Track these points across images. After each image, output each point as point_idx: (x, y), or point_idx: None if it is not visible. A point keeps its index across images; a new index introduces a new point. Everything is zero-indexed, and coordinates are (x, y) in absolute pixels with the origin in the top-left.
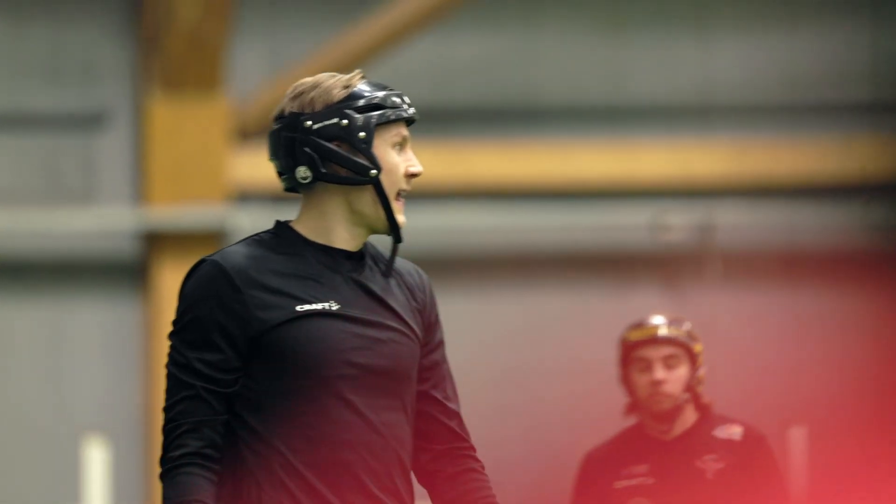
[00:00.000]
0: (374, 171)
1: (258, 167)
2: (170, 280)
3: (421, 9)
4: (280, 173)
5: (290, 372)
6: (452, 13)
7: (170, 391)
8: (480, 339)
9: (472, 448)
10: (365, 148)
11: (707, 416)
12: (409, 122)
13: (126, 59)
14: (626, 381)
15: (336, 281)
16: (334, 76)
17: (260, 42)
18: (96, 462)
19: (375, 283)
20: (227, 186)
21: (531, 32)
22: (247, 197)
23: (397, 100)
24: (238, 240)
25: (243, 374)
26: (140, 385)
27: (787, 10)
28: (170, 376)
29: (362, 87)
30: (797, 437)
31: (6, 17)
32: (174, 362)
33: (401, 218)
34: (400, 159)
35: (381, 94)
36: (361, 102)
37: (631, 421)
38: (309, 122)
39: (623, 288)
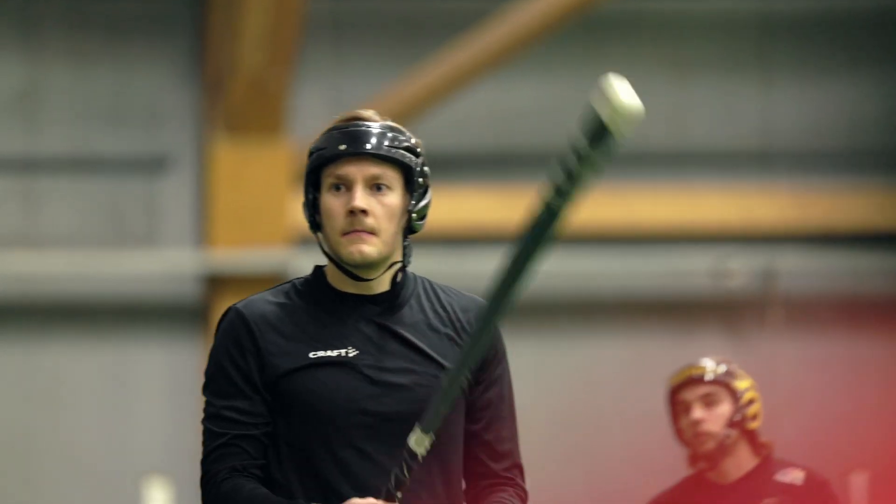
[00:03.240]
0: (312, 220)
1: None
2: None
3: (482, 54)
4: None
5: (303, 420)
6: (513, 58)
7: (205, 444)
8: (541, 384)
9: (513, 482)
10: (307, 197)
11: (768, 460)
12: (387, 159)
13: (189, 103)
14: (675, 427)
15: (358, 326)
16: (334, 119)
17: (322, 86)
18: None
19: (406, 326)
20: (289, 230)
21: (592, 77)
22: (308, 240)
23: (326, 143)
24: (272, 286)
25: (273, 419)
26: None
27: (849, 55)
28: (204, 430)
29: (323, 133)
30: (858, 484)
31: (71, 61)
32: (206, 414)
33: (350, 250)
34: (336, 200)
35: (322, 138)
36: (309, 153)
37: (692, 470)
38: None
39: (684, 334)
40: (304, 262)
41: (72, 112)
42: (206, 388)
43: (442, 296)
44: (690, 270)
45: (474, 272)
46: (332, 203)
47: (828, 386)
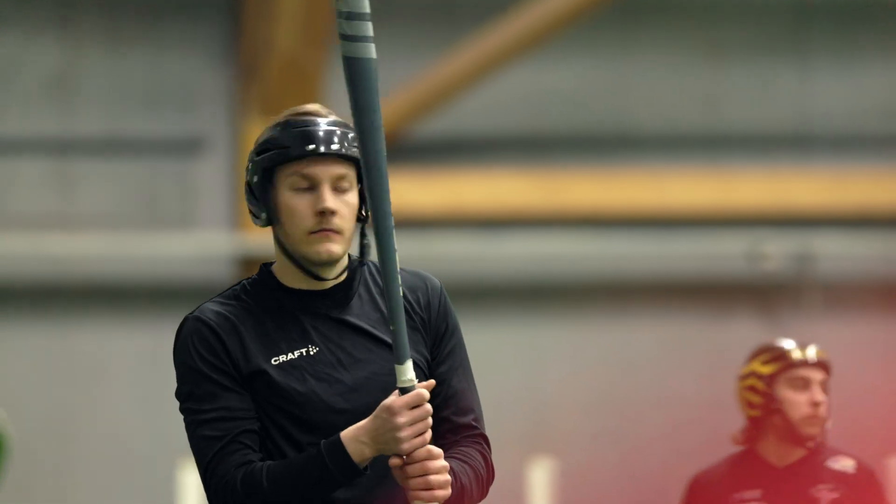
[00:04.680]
0: (263, 214)
1: None
2: None
3: (517, 37)
4: None
5: (274, 424)
6: (549, 41)
7: (203, 453)
8: (575, 366)
9: (479, 447)
10: (258, 191)
11: (819, 448)
12: (348, 158)
13: (224, 86)
14: (771, 400)
15: (315, 323)
16: (284, 115)
17: None
18: (192, 487)
19: (360, 317)
20: None
21: (627, 60)
22: None
23: (290, 140)
24: (215, 294)
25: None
26: None
27: (887, 38)
28: (197, 441)
29: (275, 126)
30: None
31: (106, 44)
32: (196, 424)
33: (318, 249)
34: (301, 199)
35: (279, 134)
36: (259, 145)
37: (738, 447)
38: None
39: (719, 317)
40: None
41: (107, 95)
42: (187, 401)
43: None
44: (726, 253)
45: (509, 255)
46: (295, 202)
47: (865, 370)
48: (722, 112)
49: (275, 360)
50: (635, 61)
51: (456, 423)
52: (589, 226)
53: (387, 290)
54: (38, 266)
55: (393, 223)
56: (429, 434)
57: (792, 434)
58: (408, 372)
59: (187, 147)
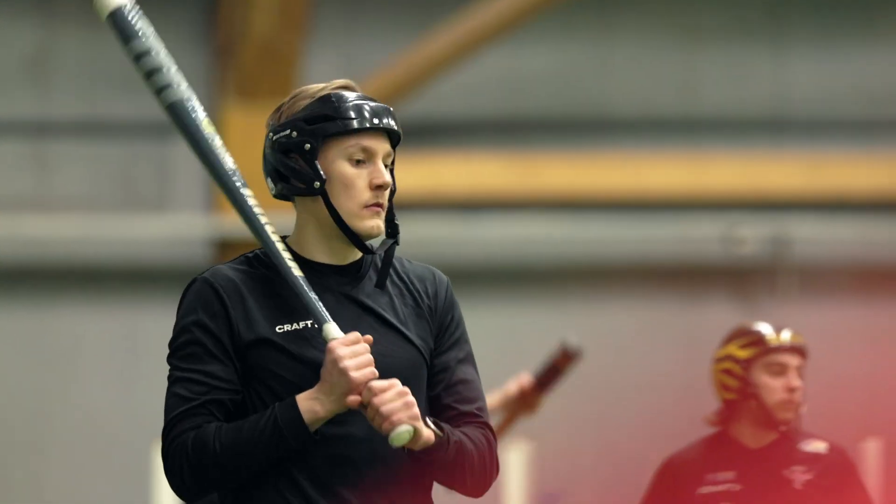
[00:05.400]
0: (317, 183)
1: None
2: None
3: (495, 19)
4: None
5: (273, 392)
6: (526, 24)
7: (170, 408)
8: (551, 348)
9: (484, 429)
10: (309, 159)
11: (793, 431)
12: (393, 136)
13: (201, 68)
14: (747, 384)
15: (324, 297)
16: (319, 87)
17: (334, 51)
18: None
19: (370, 296)
20: None
21: (604, 44)
22: None
23: (354, 113)
24: (191, 275)
25: (242, 387)
26: None
27: (864, 24)
28: (169, 395)
29: (327, 97)
30: (871, 451)
31: (83, 26)
32: (173, 380)
33: (370, 224)
34: (357, 171)
35: (338, 105)
36: (314, 113)
37: (712, 429)
38: (271, 134)
39: (695, 300)
40: None
41: (83, 77)
42: (173, 356)
43: (398, 266)
44: (702, 237)
45: (486, 237)
46: (352, 174)
47: (840, 353)
48: (698, 96)
49: (279, 329)
50: (612, 45)
51: (460, 411)
52: (566, 209)
53: (277, 264)
54: (13, 248)
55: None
56: (374, 370)
57: (767, 418)
58: (333, 331)
59: (163, 129)
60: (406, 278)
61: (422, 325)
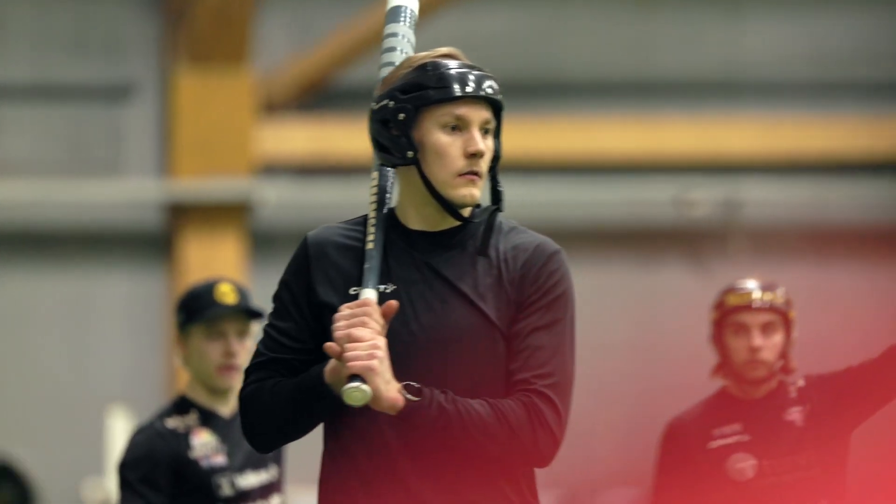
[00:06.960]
0: (409, 153)
1: (284, 140)
2: (194, 251)
3: None
4: None
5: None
6: None
7: (250, 361)
8: None
9: (534, 393)
10: (404, 129)
11: (785, 380)
12: (494, 103)
13: (152, 32)
14: (720, 344)
15: (405, 263)
16: (422, 55)
17: (286, 15)
18: (120, 432)
19: (450, 264)
20: (253, 159)
21: (557, 7)
22: (272, 169)
23: (447, 81)
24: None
25: (316, 346)
26: (164, 356)
27: None
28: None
29: (423, 66)
30: None
31: None
32: (262, 331)
33: (464, 193)
34: (451, 139)
35: (433, 73)
36: (410, 83)
37: (714, 386)
38: (373, 104)
39: (648, 263)
40: (268, 192)
41: (34, 41)
42: (271, 310)
43: (500, 234)
44: (655, 200)
45: None
46: (445, 142)
47: None
48: (651, 59)
49: (353, 291)
50: (565, 8)
51: (515, 379)
52: (518, 172)
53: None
54: None
55: None
56: (358, 330)
57: (739, 377)
58: (362, 295)
59: (115, 93)
60: (500, 248)
61: (501, 297)
